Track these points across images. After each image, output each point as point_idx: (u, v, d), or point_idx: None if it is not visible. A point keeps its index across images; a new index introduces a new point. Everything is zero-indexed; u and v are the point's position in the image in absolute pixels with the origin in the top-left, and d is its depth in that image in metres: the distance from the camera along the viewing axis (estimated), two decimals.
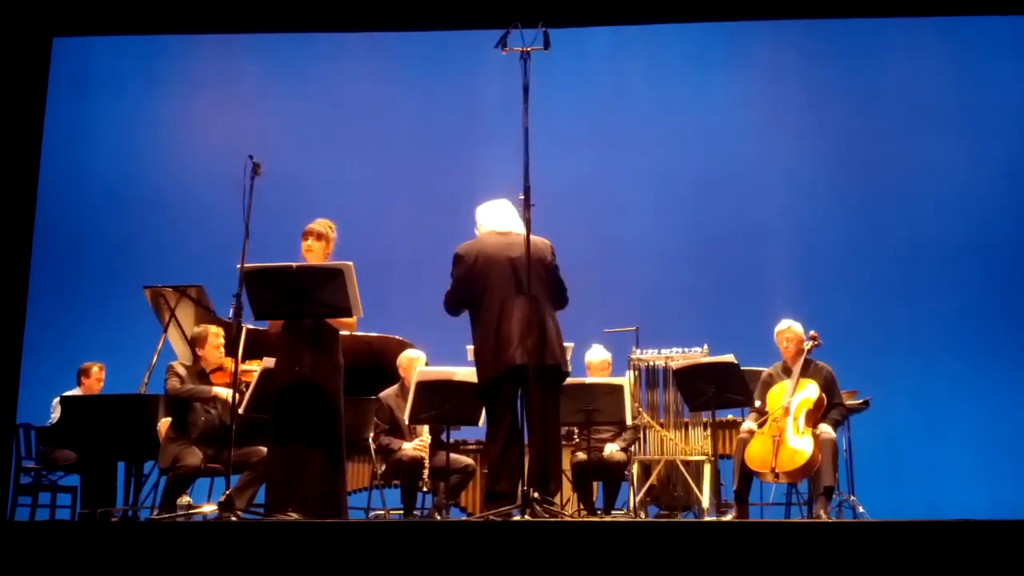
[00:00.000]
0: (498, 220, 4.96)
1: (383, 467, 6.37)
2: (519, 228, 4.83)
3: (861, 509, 6.35)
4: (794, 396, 5.86)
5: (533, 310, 4.58)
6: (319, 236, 5.18)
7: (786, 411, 5.82)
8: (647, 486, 6.75)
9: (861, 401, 6.62)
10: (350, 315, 4.95)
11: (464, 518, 6.23)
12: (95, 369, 7.34)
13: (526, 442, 4.79)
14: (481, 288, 4.79)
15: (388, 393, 6.43)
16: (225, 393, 5.65)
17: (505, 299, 4.72)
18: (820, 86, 9.09)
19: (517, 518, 4.28)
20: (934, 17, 8.67)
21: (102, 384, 7.35)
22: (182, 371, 5.89)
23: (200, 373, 5.96)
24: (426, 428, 6.24)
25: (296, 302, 4.84)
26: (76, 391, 7.22)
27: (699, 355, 6.65)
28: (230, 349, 5.22)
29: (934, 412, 8.20)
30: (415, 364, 6.33)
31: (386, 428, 6.32)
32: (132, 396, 6.24)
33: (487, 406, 4.86)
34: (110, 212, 9.05)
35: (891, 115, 8.93)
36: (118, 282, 8.29)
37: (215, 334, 5.96)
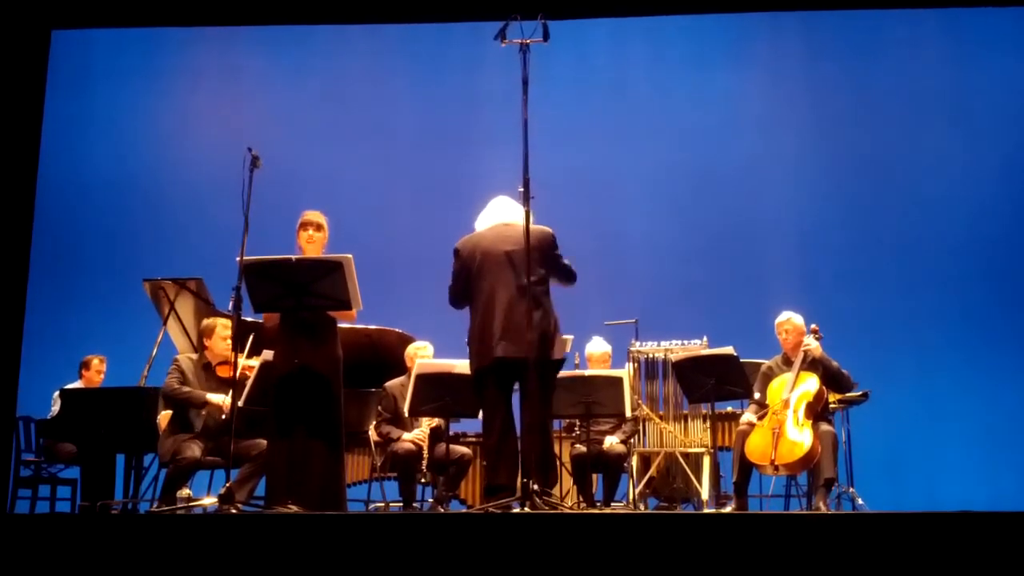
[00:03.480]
0: (494, 215, 4.96)
1: (382, 459, 6.40)
2: (516, 219, 4.82)
3: (860, 501, 6.37)
4: (794, 389, 5.86)
5: (527, 302, 4.55)
6: (318, 227, 5.18)
7: (786, 404, 5.81)
8: (647, 478, 6.76)
9: (860, 393, 6.60)
10: (350, 308, 4.96)
11: (463, 510, 6.23)
12: (95, 362, 7.35)
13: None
14: (475, 281, 4.80)
15: (394, 383, 6.45)
16: (219, 399, 5.66)
17: (494, 292, 4.72)
18: (820, 79, 9.08)
19: (517, 510, 4.28)
20: (934, 9, 8.66)
21: (102, 377, 7.36)
22: (187, 366, 5.88)
23: (206, 366, 5.96)
24: (425, 420, 6.25)
25: (296, 295, 4.84)
26: (77, 384, 7.23)
27: (698, 347, 6.66)
28: (234, 344, 5.21)
29: (933, 405, 8.20)
30: (420, 354, 6.37)
31: (388, 417, 6.34)
32: (131, 389, 6.24)
33: (479, 398, 4.90)
34: (109, 205, 9.05)
35: (891, 108, 8.92)
36: (118, 275, 8.30)
37: (223, 326, 5.95)
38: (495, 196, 5.05)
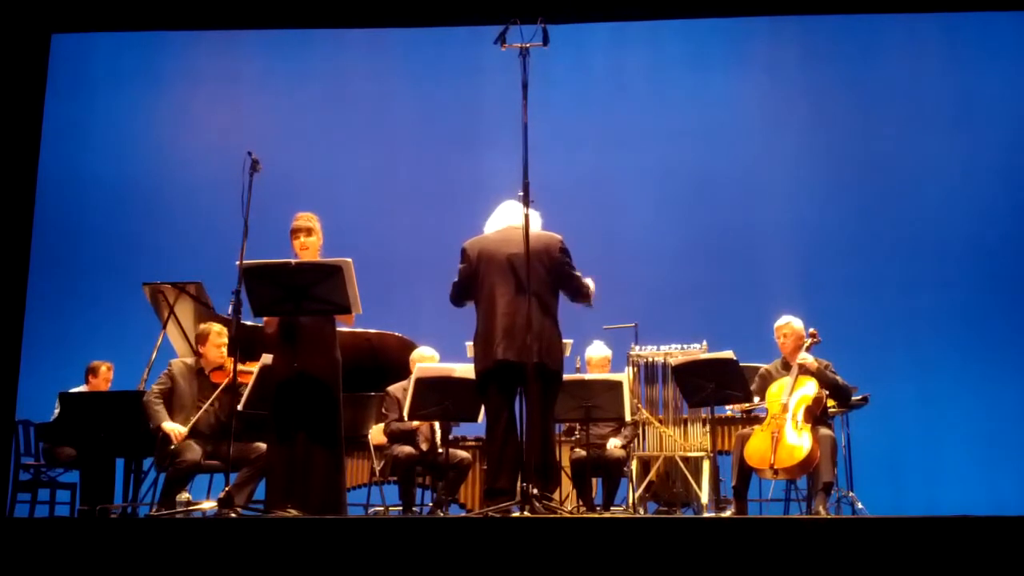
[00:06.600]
0: (503, 218, 4.94)
1: (381, 463, 6.39)
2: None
3: (860, 505, 6.36)
4: (793, 393, 5.86)
5: (530, 307, 4.54)
6: (309, 232, 5.15)
7: (784, 408, 5.81)
8: (646, 482, 6.75)
9: (860, 397, 6.61)
10: (349, 312, 4.95)
11: (463, 515, 6.23)
12: (104, 369, 7.26)
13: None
14: (479, 284, 4.80)
15: (397, 387, 6.43)
16: (172, 427, 5.57)
17: (498, 296, 4.72)
18: (820, 83, 9.09)
19: (516, 514, 4.28)
20: (934, 13, 8.67)
21: (109, 384, 7.28)
22: (180, 372, 5.86)
23: (199, 372, 5.95)
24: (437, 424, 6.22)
25: (295, 299, 4.84)
26: (82, 388, 7.19)
27: (698, 351, 6.65)
28: (232, 348, 5.19)
29: (933, 409, 8.20)
30: (426, 362, 6.36)
31: (397, 417, 6.32)
32: (131, 393, 6.23)
33: (482, 401, 4.90)
34: (109, 209, 9.05)
35: (891, 112, 8.92)
36: (117, 278, 8.28)
37: (217, 333, 5.92)
38: (496, 200, 5.04)
